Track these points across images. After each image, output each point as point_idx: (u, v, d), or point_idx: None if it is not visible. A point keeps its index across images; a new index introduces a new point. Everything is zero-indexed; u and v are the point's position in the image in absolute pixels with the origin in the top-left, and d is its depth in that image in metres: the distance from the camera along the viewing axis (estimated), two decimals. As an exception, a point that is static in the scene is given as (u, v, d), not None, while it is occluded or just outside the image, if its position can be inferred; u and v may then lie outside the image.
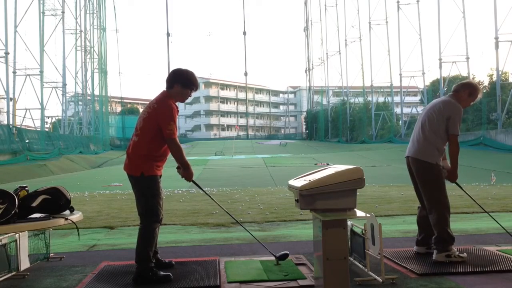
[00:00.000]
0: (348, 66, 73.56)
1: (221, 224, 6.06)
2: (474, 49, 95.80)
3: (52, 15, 37.17)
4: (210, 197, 4.00)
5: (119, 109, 56.42)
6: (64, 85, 37.66)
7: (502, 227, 4.46)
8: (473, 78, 33.00)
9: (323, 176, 2.96)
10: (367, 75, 45.50)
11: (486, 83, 32.17)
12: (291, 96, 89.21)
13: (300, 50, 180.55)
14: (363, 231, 3.41)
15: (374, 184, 11.84)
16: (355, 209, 2.96)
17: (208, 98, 79.06)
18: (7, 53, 27.00)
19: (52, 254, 4.35)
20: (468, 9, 71.59)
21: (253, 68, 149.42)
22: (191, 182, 3.70)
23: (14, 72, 29.28)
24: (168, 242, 5.01)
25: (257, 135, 69.69)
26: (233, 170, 20.07)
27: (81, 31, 43.38)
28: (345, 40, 48.56)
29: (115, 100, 55.28)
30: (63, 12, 37.74)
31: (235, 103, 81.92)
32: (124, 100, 58.30)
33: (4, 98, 30.70)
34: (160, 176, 3.61)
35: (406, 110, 45.38)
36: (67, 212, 3.61)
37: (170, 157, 3.63)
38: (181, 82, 3.62)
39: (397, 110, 44.89)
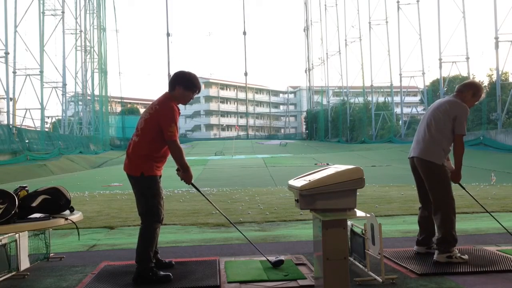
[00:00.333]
0: (348, 66, 73.67)
1: (221, 224, 6.06)
2: (474, 49, 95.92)
3: (52, 15, 37.17)
4: (208, 200, 4.00)
5: (119, 109, 56.38)
6: (64, 85, 37.66)
7: (504, 227, 4.45)
8: (473, 78, 32.99)
9: (323, 176, 2.96)
10: (367, 75, 45.56)
11: (486, 83, 32.16)
12: (291, 96, 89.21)
13: (300, 50, 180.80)
14: (363, 231, 3.41)
15: (374, 184, 11.84)
16: (355, 209, 2.96)
17: (208, 98, 79.07)
18: (7, 53, 26.99)
19: (52, 254, 4.35)
20: (468, 9, 71.69)
21: (253, 68, 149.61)
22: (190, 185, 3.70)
23: (14, 72, 29.27)
24: (168, 242, 5.01)
25: (257, 135, 69.68)
26: (233, 170, 20.06)
27: (81, 31, 43.38)
28: (345, 40, 48.56)
29: (115, 100, 55.25)
30: (63, 12, 37.74)
31: (235, 103, 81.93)
32: (124, 100, 58.25)
33: (4, 98, 30.69)
34: (160, 176, 3.62)
35: (406, 110, 45.41)
36: (67, 212, 3.61)
37: (170, 157, 3.64)
38: (183, 84, 3.62)
39: (397, 110, 44.88)
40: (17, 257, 3.71)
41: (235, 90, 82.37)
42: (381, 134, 43.77)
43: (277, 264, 3.73)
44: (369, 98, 46.49)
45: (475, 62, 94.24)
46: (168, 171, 3.97)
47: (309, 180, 2.95)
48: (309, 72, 61.82)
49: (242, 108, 76.45)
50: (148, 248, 3.44)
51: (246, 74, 59.74)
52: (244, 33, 58.04)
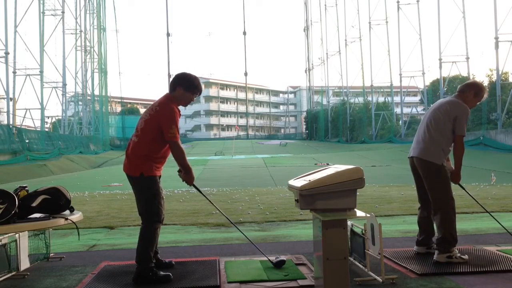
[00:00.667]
0: (348, 66, 73.59)
1: (221, 224, 6.06)
2: (474, 49, 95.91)
3: (52, 15, 37.18)
4: (209, 200, 4.00)
5: (119, 109, 56.37)
6: (64, 85, 37.66)
7: (504, 227, 4.45)
8: (473, 78, 32.99)
9: (323, 176, 2.96)
10: (367, 75, 45.56)
11: (485, 83, 32.17)
12: (291, 96, 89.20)
13: (300, 50, 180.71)
14: (363, 231, 3.41)
15: (374, 184, 11.84)
16: (355, 209, 2.96)
17: (208, 98, 79.05)
18: (7, 53, 27.02)
19: (52, 254, 4.35)
20: (468, 9, 71.69)
21: (253, 68, 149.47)
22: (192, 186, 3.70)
23: (14, 72, 29.29)
24: (168, 242, 5.02)
25: (257, 135, 69.66)
26: (233, 170, 20.06)
27: (81, 31, 43.38)
28: (345, 40, 48.56)
29: (115, 100, 55.23)
30: (63, 12, 37.76)
31: (235, 103, 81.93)
32: (124, 100, 58.23)
33: (4, 98, 30.71)
34: (160, 176, 3.62)
35: (406, 110, 45.40)
36: (67, 212, 3.61)
37: (170, 157, 3.64)
38: (184, 85, 3.61)
39: (397, 110, 44.89)
40: (17, 257, 3.71)
41: (235, 90, 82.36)
42: (381, 134, 43.77)
43: (279, 265, 3.73)
44: (369, 98, 46.49)
45: (475, 62, 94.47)
46: (168, 171, 3.98)
47: (309, 180, 2.95)
48: (309, 72, 61.84)
49: (242, 108, 76.44)
50: (148, 248, 3.44)
51: (246, 74, 59.75)
52: (244, 33, 58.05)
